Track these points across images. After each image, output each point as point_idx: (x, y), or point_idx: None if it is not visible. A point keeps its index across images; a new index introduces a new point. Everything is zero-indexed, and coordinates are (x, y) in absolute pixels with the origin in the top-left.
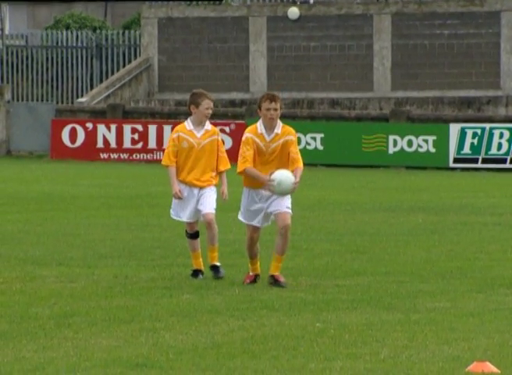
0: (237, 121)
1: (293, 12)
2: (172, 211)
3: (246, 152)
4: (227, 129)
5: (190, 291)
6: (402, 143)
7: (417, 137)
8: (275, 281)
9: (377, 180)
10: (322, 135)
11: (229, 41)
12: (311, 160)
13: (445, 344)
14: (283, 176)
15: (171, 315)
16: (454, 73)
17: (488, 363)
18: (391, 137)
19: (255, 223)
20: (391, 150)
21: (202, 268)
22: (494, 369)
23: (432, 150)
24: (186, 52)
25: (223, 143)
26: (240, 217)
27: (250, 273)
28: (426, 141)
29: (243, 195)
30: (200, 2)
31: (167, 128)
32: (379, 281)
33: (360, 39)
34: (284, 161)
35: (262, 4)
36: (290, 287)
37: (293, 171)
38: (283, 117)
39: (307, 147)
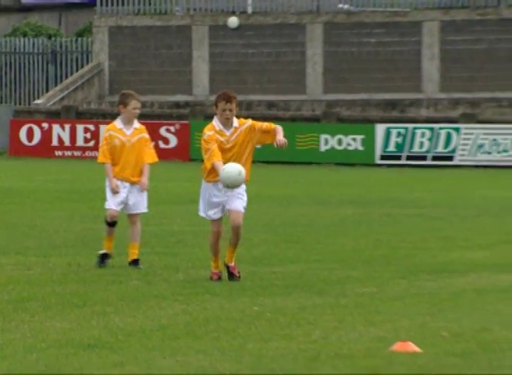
0: (181, 121)
1: (233, 21)
2: (106, 202)
3: (211, 148)
4: (172, 128)
5: (138, 278)
6: (332, 142)
7: (346, 136)
8: (230, 274)
9: (310, 176)
10: None
11: (173, 47)
12: None
13: (371, 325)
14: (224, 174)
15: (120, 299)
16: (380, 78)
17: (410, 343)
18: (322, 136)
19: (216, 215)
20: (322, 148)
21: (111, 252)
22: (416, 348)
23: (360, 148)
24: (134, 58)
25: (150, 140)
26: (202, 213)
27: (215, 271)
28: (354, 140)
29: (204, 190)
30: (147, 12)
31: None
32: (312, 268)
33: (294, 46)
34: (242, 150)
35: (204, 14)
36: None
37: (274, 129)
38: None
39: None
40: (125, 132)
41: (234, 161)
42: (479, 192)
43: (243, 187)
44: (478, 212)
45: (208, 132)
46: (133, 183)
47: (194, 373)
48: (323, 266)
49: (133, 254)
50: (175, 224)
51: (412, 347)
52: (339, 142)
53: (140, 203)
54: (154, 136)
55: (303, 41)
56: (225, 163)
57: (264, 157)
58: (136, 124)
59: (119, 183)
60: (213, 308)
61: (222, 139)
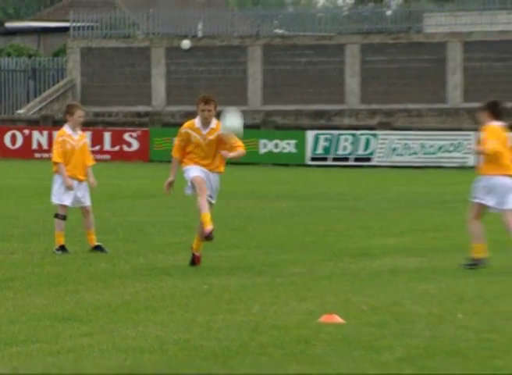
0: (142, 128)
1: (185, 43)
2: (53, 197)
3: (178, 144)
4: (134, 134)
5: (105, 261)
6: (270, 145)
7: (281, 140)
8: (193, 261)
9: (250, 175)
10: None
11: (135, 66)
12: None
13: (302, 301)
14: (227, 118)
15: (90, 279)
16: (310, 92)
17: (335, 315)
18: (261, 141)
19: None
20: (261, 151)
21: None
22: (340, 320)
23: (293, 151)
24: (102, 75)
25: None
26: (188, 191)
27: (197, 254)
28: (289, 144)
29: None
30: (113, 36)
31: (87, 134)
32: (252, 253)
33: (237, 65)
34: (214, 149)
35: (161, 37)
36: (183, 257)
37: (237, 148)
38: (177, 126)
39: None
40: (73, 137)
41: (206, 158)
42: (393, 188)
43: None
44: (392, 205)
45: (184, 128)
46: (80, 181)
47: (152, 342)
48: (261, 251)
49: (93, 240)
50: (136, 215)
51: (337, 319)
52: (276, 146)
53: (86, 197)
54: (119, 141)
55: (245, 60)
56: (198, 159)
57: None
58: (80, 131)
59: (73, 182)
60: (168, 287)
61: (198, 137)
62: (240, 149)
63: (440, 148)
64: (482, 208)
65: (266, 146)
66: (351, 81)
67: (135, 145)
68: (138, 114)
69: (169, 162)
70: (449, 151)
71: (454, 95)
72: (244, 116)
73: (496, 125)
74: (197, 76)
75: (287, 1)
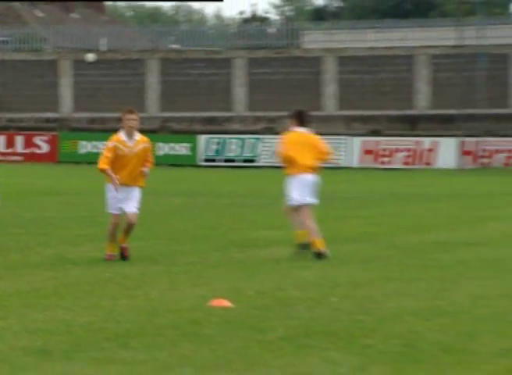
0: (51, 133)
1: (90, 56)
2: None
3: (107, 156)
4: (44, 138)
5: (17, 252)
6: (166, 148)
7: (177, 144)
8: (123, 255)
9: (150, 175)
10: None
11: (44, 77)
12: None
13: (195, 287)
14: None
15: (3, 268)
16: (202, 100)
17: (224, 300)
18: (158, 144)
19: (116, 211)
20: (159, 153)
21: None
22: (229, 304)
23: (188, 153)
24: (14, 85)
25: None
26: (106, 208)
27: (110, 253)
28: (184, 147)
29: (107, 189)
30: (24, 49)
31: (1, 138)
32: (150, 244)
33: (137, 76)
34: (140, 163)
35: (69, 51)
36: (88, 248)
37: (151, 163)
38: (83, 130)
39: None
40: None
41: (132, 170)
42: (276, 186)
43: (138, 191)
44: (274, 201)
45: (112, 142)
46: None
47: (60, 325)
48: (159, 242)
49: None
50: (46, 211)
51: (226, 303)
52: (172, 149)
53: None
54: (31, 144)
55: (143, 72)
56: (124, 172)
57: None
58: None
59: None
60: (75, 275)
61: (125, 150)
62: (149, 165)
63: None
64: (300, 205)
65: (163, 149)
66: (239, 91)
67: (45, 148)
68: (47, 120)
69: (76, 163)
70: None
71: (329, 104)
72: (143, 121)
73: (296, 131)
74: (100, 86)
75: (181, 19)
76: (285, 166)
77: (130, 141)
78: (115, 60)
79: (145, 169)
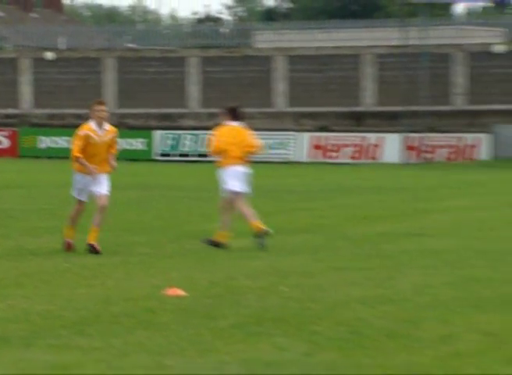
0: (12, 128)
1: (49, 55)
2: None
3: (78, 144)
4: (5, 133)
5: None
6: (123, 143)
7: (134, 139)
8: (93, 249)
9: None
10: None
11: (5, 74)
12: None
13: (150, 276)
14: None
15: None
16: (158, 97)
17: (178, 289)
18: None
19: (83, 198)
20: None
21: None
22: (182, 292)
23: (144, 148)
24: None
25: None
26: (73, 193)
27: (68, 240)
28: (140, 142)
29: (75, 177)
30: None
31: None
32: (109, 235)
33: (95, 74)
34: (108, 151)
35: (28, 49)
36: (48, 239)
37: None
38: (43, 126)
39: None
40: None
41: (102, 158)
42: None
43: (107, 176)
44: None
45: (83, 131)
46: None
47: (19, 313)
48: (115, 234)
49: None
50: (6, 203)
51: (179, 292)
52: (129, 144)
53: None
54: None
55: (101, 70)
56: (94, 160)
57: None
58: None
59: None
60: (35, 265)
61: (95, 138)
62: (113, 152)
63: (267, 145)
64: (234, 195)
65: (120, 144)
66: (193, 89)
67: (5, 143)
68: (7, 116)
69: (36, 157)
70: (275, 148)
71: (279, 101)
72: None
73: (228, 125)
74: (59, 84)
75: (137, 19)
76: (217, 159)
77: (100, 131)
78: (74, 58)
79: (113, 162)
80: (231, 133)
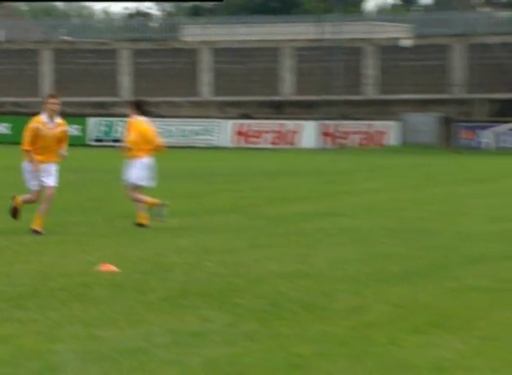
0: None
1: None
2: None
3: (28, 138)
4: None
5: None
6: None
7: (69, 126)
8: (37, 233)
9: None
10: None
11: None
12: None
13: (85, 254)
14: None
15: None
16: (92, 87)
17: (111, 265)
18: None
19: (35, 187)
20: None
21: None
22: (115, 268)
23: (79, 134)
24: None
25: None
26: (28, 185)
27: (16, 205)
28: (75, 129)
29: (26, 167)
30: None
31: None
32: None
33: (32, 64)
34: (58, 143)
35: None
36: (17, 228)
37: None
38: None
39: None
40: None
41: (49, 149)
42: (159, 164)
43: (55, 166)
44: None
45: (33, 123)
46: None
47: None
48: (53, 214)
49: None
50: None
51: (112, 268)
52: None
53: None
54: None
55: (38, 61)
56: (45, 150)
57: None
58: None
59: None
60: None
61: (45, 131)
62: (64, 146)
63: (193, 132)
64: (136, 187)
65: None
66: (124, 79)
67: None
68: None
69: None
70: (201, 134)
71: (205, 90)
72: (38, 106)
73: (138, 119)
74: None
75: (72, 13)
76: (125, 151)
77: (51, 123)
78: (12, 50)
79: (63, 152)
80: (138, 127)
